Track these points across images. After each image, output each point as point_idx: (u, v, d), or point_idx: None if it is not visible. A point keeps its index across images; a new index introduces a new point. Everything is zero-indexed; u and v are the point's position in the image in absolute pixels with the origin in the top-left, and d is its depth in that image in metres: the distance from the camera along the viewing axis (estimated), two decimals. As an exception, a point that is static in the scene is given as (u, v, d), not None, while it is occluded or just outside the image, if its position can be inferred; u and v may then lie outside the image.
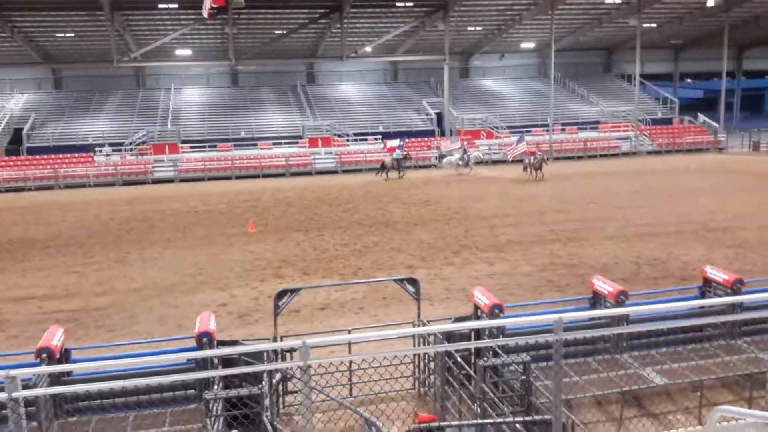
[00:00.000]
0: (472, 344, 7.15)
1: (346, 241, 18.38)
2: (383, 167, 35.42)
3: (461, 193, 27.74)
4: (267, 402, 6.12)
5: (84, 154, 39.91)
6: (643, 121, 46.99)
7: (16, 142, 41.71)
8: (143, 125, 43.24)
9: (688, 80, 63.04)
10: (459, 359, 6.91)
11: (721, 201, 23.02)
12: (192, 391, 6.92)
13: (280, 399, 7.76)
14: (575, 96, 51.51)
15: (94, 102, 46.62)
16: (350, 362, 7.64)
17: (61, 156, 39.50)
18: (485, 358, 6.50)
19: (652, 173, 33.14)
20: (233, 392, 5.97)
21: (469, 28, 46.97)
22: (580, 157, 42.84)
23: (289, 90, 49.82)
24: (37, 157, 39.58)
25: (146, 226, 22.30)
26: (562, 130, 45.18)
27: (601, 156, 43.14)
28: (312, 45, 47.25)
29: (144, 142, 41.37)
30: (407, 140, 39.53)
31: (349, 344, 7.63)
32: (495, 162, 40.83)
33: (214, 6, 31.64)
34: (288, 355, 7.52)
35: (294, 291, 7.83)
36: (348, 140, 43.29)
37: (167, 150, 40.69)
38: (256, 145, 42.26)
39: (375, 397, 7.65)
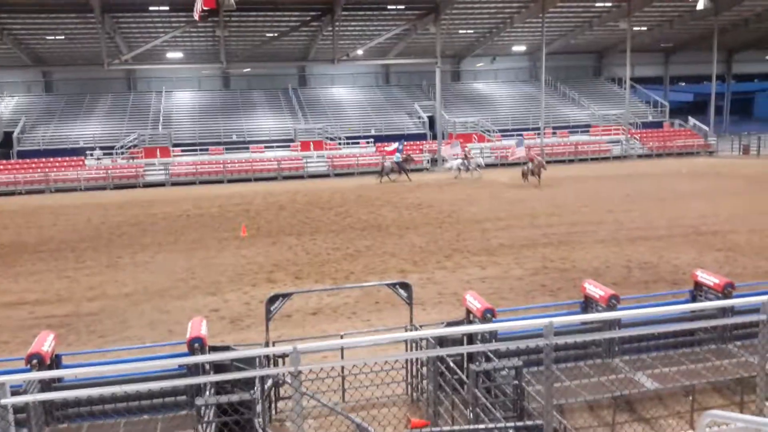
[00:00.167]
0: (464, 349, 7.16)
1: (338, 245, 18.36)
2: (383, 171, 35.42)
3: (453, 197, 27.78)
4: (259, 408, 6.09)
5: (75, 158, 39.76)
6: (633, 124, 47.22)
7: (6, 146, 41.49)
8: (134, 128, 43.11)
9: (682, 84, 63.40)
10: (451, 364, 6.91)
11: (712, 204, 23.14)
12: (183, 397, 6.89)
13: (273, 405, 7.74)
14: (566, 99, 51.71)
15: (85, 105, 46.45)
16: (342, 368, 7.62)
17: (51, 160, 39.33)
18: (477, 363, 6.50)
19: (643, 177, 33.28)
20: (225, 398, 5.95)
21: (461, 32, 47.09)
22: (571, 161, 42.99)
23: (281, 93, 49.80)
24: (28, 160, 39.40)
25: (138, 230, 22.22)
26: (554, 133, 45.35)
27: (592, 159, 43.32)
28: (304, 48, 47.25)
29: (135, 146, 41.25)
30: (405, 143, 39.55)
31: (342, 349, 7.61)
32: (487, 165, 40.84)
33: (205, 8, 31.59)
34: (280, 360, 7.50)
35: (286, 296, 7.81)
36: (340, 143, 43.28)
37: (158, 153, 40.57)
38: (247, 148, 42.22)
39: (367, 402, 7.64)
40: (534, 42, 48.14)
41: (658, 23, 48.05)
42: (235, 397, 5.91)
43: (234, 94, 49.83)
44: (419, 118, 47.22)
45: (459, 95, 51.40)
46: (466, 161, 36.18)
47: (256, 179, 38.66)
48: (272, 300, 7.69)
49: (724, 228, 18.83)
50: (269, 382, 7.05)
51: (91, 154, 40.12)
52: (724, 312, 7.91)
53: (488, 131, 45.21)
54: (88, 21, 37.51)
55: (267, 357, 7.30)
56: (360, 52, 44.44)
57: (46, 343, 6.66)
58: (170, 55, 44.49)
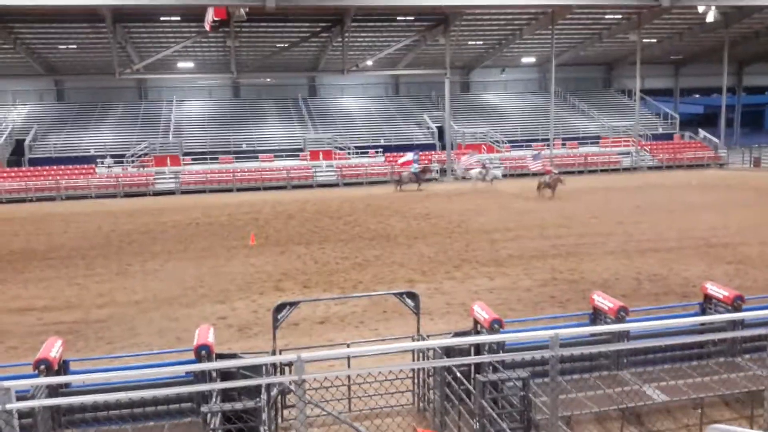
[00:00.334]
0: (471, 359, 7.13)
1: (346, 254, 18.36)
2: (401, 181, 35.46)
3: (462, 207, 27.74)
4: (264, 416, 6.08)
5: (86, 166, 40.02)
6: (643, 136, 47.09)
7: (18, 154, 41.84)
8: (145, 137, 43.37)
9: (697, 95, 63.18)
10: (458, 374, 6.88)
11: (723, 217, 23.01)
12: (190, 404, 6.90)
13: (279, 413, 7.72)
14: (576, 111, 51.66)
15: (96, 114, 46.80)
16: (348, 377, 7.60)
17: (62, 167, 39.59)
18: (484, 374, 6.47)
19: (653, 188, 33.16)
20: (230, 406, 5.95)
21: (470, 43, 47.19)
22: (580, 172, 42.88)
23: (291, 103, 50.01)
24: (39, 168, 39.68)
25: (148, 238, 22.30)
26: (563, 144, 45.28)
27: (601, 171, 43.21)
28: (313, 58, 47.46)
29: (146, 154, 41.48)
30: (420, 153, 39.56)
31: (348, 358, 7.59)
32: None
33: (216, 19, 31.89)
34: (287, 368, 7.49)
35: (293, 304, 7.81)
36: (349, 153, 43.37)
37: (169, 162, 40.78)
38: (257, 157, 42.38)
39: (374, 412, 7.62)
40: (543, 53, 48.17)
41: (668, 35, 47.98)
42: (240, 405, 5.92)
43: (244, 103, 50.08)
44: (428, 128, 47.29)
45: (468, 106, 51.44)
46: (484, 171, 35.99)
47: (266, 188, 38.77)
48: (279, 308, 7.70)
49: (734, 240, 18.71)
50: (275, 390, 7.04)
51: (102, 162, 40.38)
52: (734, 325, 7.86)
53: (497, 142, 45.19)
54: (100, 31, 37.83)
55: (274, 365, 7.30)
56: (369, 62, 44.60)
57: (53, 349, 6.68)
58: (181, 64, 44.79)
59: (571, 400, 7.13)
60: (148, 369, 6.92)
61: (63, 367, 6.92)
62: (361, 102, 51.33)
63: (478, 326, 7.80)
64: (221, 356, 7.27)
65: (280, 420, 7.71)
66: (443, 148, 43.98)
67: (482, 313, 7.62)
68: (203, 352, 6.82)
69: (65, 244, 21.75)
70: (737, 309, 7.93)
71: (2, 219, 29.19)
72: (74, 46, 42.09)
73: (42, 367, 6.42)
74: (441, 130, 45.69)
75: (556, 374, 4.52)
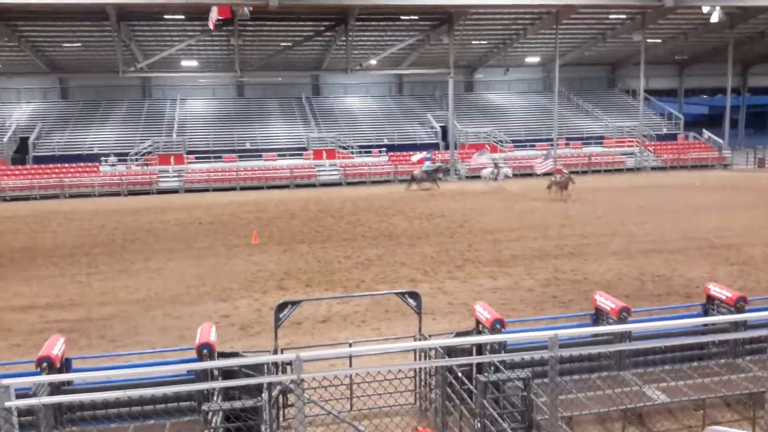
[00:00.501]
0: (472, 359, 7.13)
1: (349, 253, 18.38)
2: (413, 179, 35.41)
3: (465, 207, 27.72)
4: (266, 415, 6.09)
5: (89, 164, 40.03)
6: (647, 136, 46.94)
7: (22, 151, 41.88)
8: (149, 135, 43.40)
9: (704, 96, 62.99)
10: (460, 374, 6.88)
11: (726, 218, 22.96)
12: (191, 402, 6.91)
13: (280, 412, 7.73)
14: (580, 111, 51.56)
15: (100, 112, 46.84)
16: (350, 376, 7.60)
17: (66, 165, 39.62)
18: (486, 374, 6.47)
19: (656, 189, 33.09)
20: (232, 404, 5.96)
21: (474, 42, 47.10)
22: (584, 172, 42.76)
23: (294, 102, 49.99)
24: (43, 166, 39.70)
25: (151, 237, 22.34)
26: (567, 144, 45.19)
27: (605, 171, 43.11)
28: (317, 57, 47.43)
29: (149, 153, 41.50)
30: (434, 152, 39.37)
31: (350, 358, 7.60)
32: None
33: (220, 18, 31.91)
34: (288, 367, 7.50)
35: (295, 303, 7.82)
36: (352, 153, 43.36)
37: (172, 160, 40.79)
38: (260, 156, 42.35)
39: (375, 411, 7.62)
40: (547, 53, 48.06)
41: (672, 36, 47.82)
42: (242, 404, 5.93)
43: (248, 102, 50.07)
44: (432, 128, 47.23)
45: (472, 105, 51.37)
46: (495, 171, 35.65)
47: (269, 187, 38.76)
48: (281, 307, 7.71)
49: (738, 241, 18.68)
50: (276, 389, 7.05)
51: (106, 161, 40.39)
52: (737, 326, 7.84)
53: (501, 142, 45.13)
54: (104, 29, 37.84)
55: (275, 364, 7.31)
56: (373, 61, 44.55)
57: (56, 347, 6.70)
58: (185, 63, 44.77)
59: (573, 400, 7.12)
60: (149, 367, 6.94)
61: (65, 365, 6.94)
62: (364, 101, 51.29)
63: (480, 326, 7.80)
64: (223, 355, 7.29)
65: (281, 419, 7.72)
66: (447, 147, 43.93)
67: (484, 313, 7.62)
68: (205, 351, 6.84)
69: (68, 242, 21.79)
70: (740, 310, 7.92)
71: (6, 217, 29.25)
72: (79, 45, 42.12)
73: (44, 364, 6.44)
74: (444, 130, 45.63)
75: (556, 375, 4.51)
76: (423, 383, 8.06)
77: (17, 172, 39.24)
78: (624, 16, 43.09)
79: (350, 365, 7.89)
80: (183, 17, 38.10)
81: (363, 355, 7.60)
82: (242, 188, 38.44)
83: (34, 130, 42.90)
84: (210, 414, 6.05)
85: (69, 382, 6.80)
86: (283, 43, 42.71)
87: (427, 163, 36.25)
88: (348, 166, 41.34)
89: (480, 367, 7.20)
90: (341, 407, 7.79)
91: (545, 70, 53.41)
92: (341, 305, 13.00)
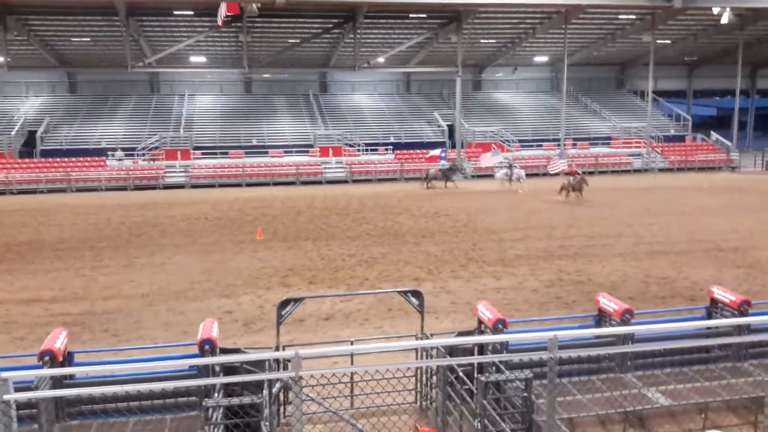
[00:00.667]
0: (474, 359, 7.11)
1: (353, 251, 18.37)
2: (428, 177, 35.31)
3: (470, 206, 27.68)
4: (267, 411, 6.10)
5: (97, 158, 40.20)
6: (655, 137, 46.80)
7: (29, 145, 42.10)
8: (156, 131, 43.52)
9: (713, 98, 62.63)
10: (461, 374, 6.87)
11: (733, 220, 22.86)
12: (193, 398, 6.92)
13: (281, 408, 7.73)
14: (588, 111, 51.42)
15: (108, 106, 47.00)
16: (352, 374, 7.60)
17: (73, 159, 39.79)
18: (486, 374, 6.46)
19: (663, 190, 32.98)
20: (233, 400, 5.96)
21: (482, 41, 47.03)
22: (591, 173, 42.61)
23: (302, 99, 50.03)
24: (50, 159, 39.89)
25: (156, 232, 22.39)
26: (574, 145, 45.09)
27: (612, 172, 42.98)
28: (325, 55, 47.46)
29: (156, 148, 41.64)
30: (448, 150, 39.19)
31: (352, 356, 7.60)
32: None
33: (229, 14, 31.98)
34: (289, 364, 7.50)
35: (297, 300, 7.83)
36: (359, 150, 43.36)
37: (179, 156, 40.91)
38: (267, 153, 42.43)
39: (376, 409, 7.61)
40: (556, 53, 47.96)
41: (682, 37, 47.64)
42: (243, 400, 5.93)
43: (255, 98, 50.16)
44: (439, 126, 47.21)
45: (479, 104, 51.30)
46: (509, 172, 34.70)
47: (275, 184, 38.81)
48: (284, 304, 7.71)
49: (744, 244, 18.59)
50: (277, 385, 7.06)
51: (113, 155, 40.55)
52: (740, 330, 7.80)
53: (508, 141, 45.04)
54: (113, 24, 37.97)
55: (276, 361, 7.31)
56: (381, 59, 44.55)
57: (58, 341, 6.72)
58: (193, 59, 44.88)
59: (574, 402, 7.10)
60: (151, 362, 6.96)
61: (67, 359, 6.96)
62: (371, 99, 51.29)
63: (482, 326, 7.78)
64: (225, 351, 7.29)
65: (282, 415, 7.73)
66: (453, 146, 43.89)
67: (486, 312, 7.60)
68: (207, 347, 6.84)
69: (74, 235, 21.87)
70: (744, 314, 7.88)
71: (13, 210, 29.39)
72: (87, 39, 42.26)
73: (46, 358, 6.46)
74: (451, 129, 45.59)
75: (554, 376, 4.50)
76: (424, 382, 8.05)
77: (25, 165, 39.43)
78: (633, 17, 42.95)
79: (352, 363, 7.90)
80: (192, 13, 38.21)
81: (365, 353, 7.59)
82: (248, 184, 38.50)
83: (42, 124, 43.11)
84: (211, 410, 6.05)
85: (71, 376, 6.81)
86: (291, 40, 42.75)
87: (443, 161, 36.04)
88: (354, 164, 41.36)
89: (482, 367, 7.18)
90: (344, 405, 7.79)
91: (553, 69, 53.29)
92: (344, 303, 13.00)
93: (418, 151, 43.10)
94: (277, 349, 7.68)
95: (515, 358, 6.34)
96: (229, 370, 7.02)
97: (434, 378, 7.76)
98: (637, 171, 43.64)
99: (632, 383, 7.52)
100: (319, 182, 39.66)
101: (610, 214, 24.69)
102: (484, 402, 6.13)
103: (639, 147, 45.55)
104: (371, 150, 43.45)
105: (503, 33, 45.76)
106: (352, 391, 7.88)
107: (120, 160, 40.28)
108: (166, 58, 40.63)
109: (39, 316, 12.68)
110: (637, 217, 23.77)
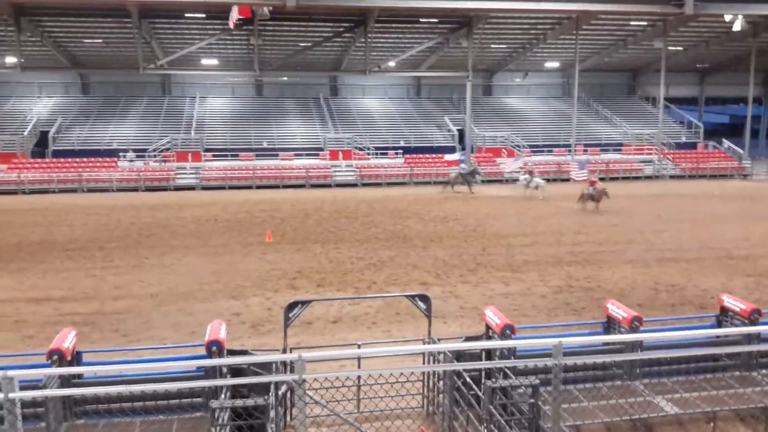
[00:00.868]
0: (481, 364, 7.08)
1: (362, 254, 18.38)
2: (448, 182, 35.21)
3: (480, 211, 27.64)
4: (273, 414, 6.10)
5: (108, 159, 40.43)
6: (666, 144, 46.59)
7: (42, 145, 42.38)
8: (167, 132, 43.73)
9: (725, 105, 62.18)
10: (468, 379, 6.85)
11: (744, 228, 22.70)
12: (199, 399, 6.94)
13: (288, 411, 7.74)
14: (599, 117, 51.27)
15: (120, 108, 47.27)
16: (359, 377, 7.60)
17: (85, 160, 40.03)
18: (494, 380, 6.44)
19: (674, 198, 32.81)
20: (239, 402, 5.97)
21: (493, 46, 47.00)
22: (602, 179, 42.38)
23: (312, 102, 50.14)
24: (62, 160, 40.15)
25: (166, 233, 22.48)
26: (585, 150, 44.95)
27: (623, 178, 42.80)
28: (336, 58, 47.56)
29: (168, 149, 41.83)
30: (466, 153, 39.03)
31: (358, 359, 7.59)
32: (515, 180, 40.57)
33: (241, 17, 32.09)
34: (294, 367, 7.50)
35: (305, 303, 7.83)
36: (369, 154, 43.41)
37: (190, 158, 41.08)
38: (277, 155, 42.54)
39: (382, 413, 7.61)
40: (567, 59, 47.86)
41: (694, 43, 47.44)
42: (249, 402, 5.93)
43: (266, 101, 50.32)
44: (449, 131, 47.18)
45: (490, 109, 51.25)
46: (529, 177, 33.89)
47: (285, 186, 38.90)
48: (291, 307, 7.72)
49: (755, 253, 18.46)
50: (283, 387, 7.06)
51: (124, 156, 40.76)
52: (750, 339, 7.74)
53: (518, 147, 44.96)
54: (125, 26, 38.20)
55: (284, 363, 7.32)
56: (392, 63, 44.59)
57: (67, 340, 6.75)
58: (205, 61, 45.09)
59: (582, 409, 7.07)
60: (159, 363, 6.98)
61: (76, 358, 6.99)
62: (382, 103, 51.34)
63: (490, 331, 7.76)
64: (232, 352, 7.30)
65: (288, 418, 7.73)
66: (463, 150, 43.82)
67: (494, 318, 7.58)
68: (214, 348, 6.86)
69: (85, 235, 21.99)
70: (754, 322, 7.82)
71: (25, 209, 29.60)
72: (100, 41, 42.54)
73: (55, 357, 6.49)
74: (462, 133, 45.54)
75: (559, 383, 4.48)
76: (431, 387, 8.03)
77: (37, 165, 39.70)
78: (645, 23, 42.81)
79: (359, 366, 7.90)
80: (204, 16, 38.39)
81: (372, 357, 7.58)
82: (258, 187, 38.60)
83: (55, 125, 43.40)
84: (217, 411, 6.06)
85: (79, 375, 6.84)
86: (302, 44, 42.88)
87: (462, 165, 35.86)
88: (364, 168, 41.39)
89: (489, 373, 7.16)
90: (349, 408, 7.78)
91: (564, 75, 53.20)
92: (352, 306, 13.00)
93: (428, 155, 43.11)
94: (284, 351, 7.69)
95: (521, 364, 6.30)
96: (236, 371, 7.03)
97: (441, 383, 7.73)
98: (648, 178, 43.45)
99: (640, 391, 7.48)
100: (329, 185, 39.72)
101: (621, 221, 24.59)
102: (491, 408, 6.11)
103: (650, 154, 45.35)
104: (381, 154, 43.49)
105: (514, 38, 45.72)
106: (358, 395, 7.87)
107: (131, 161, 40.49)
108: (177, 61, 40.82)
109: (49, 315, 12.76)
110: (648, 224, 23.66)
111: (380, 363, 8.05)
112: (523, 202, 31.07)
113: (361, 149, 43.61)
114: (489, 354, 7.48)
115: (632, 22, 42.89)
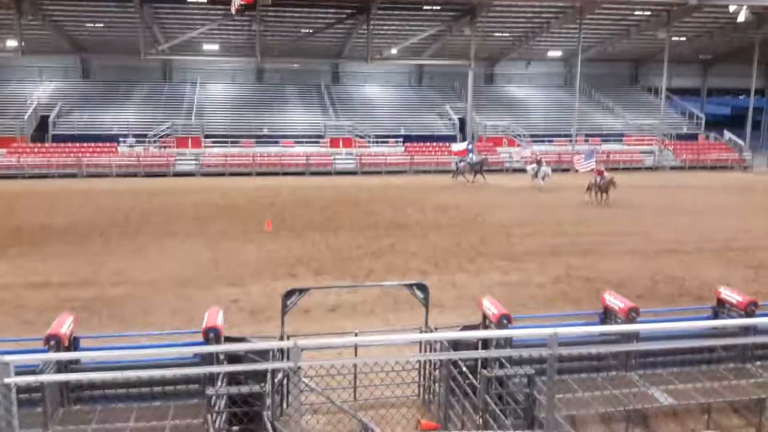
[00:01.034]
0: (476, 354, 7.10)
1: (361, 242, 18.39)
2: (459, 171, 35.10)
3: (481, 200, 27.62)
4: (269, 400, 6.12)
5: (108, 144, 40.31)
6: (668, 135, 46.48)
7: (42, 129, 42.24)
8: (168, 118, 43.59)
9: (727, 96, 61.89)
10: (464, 368, 6.87)
11: (744, 220, 22.70)
12: (196, 386, 6.96)
13: (285, 398, 7.76)
14: (600, 107, 51.11)
15: (121, 92, 47.10)
16: (355, 366, 7.62)
17: (85, 145, 39.93)
18: (489, 369, 6.45)
19: (675, 189, 32.77)
20: (235, 389, 5.99)
21: (496, 34, 46.78)
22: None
23: (313, 89, 49.97)
24: (62, 145, 40.02)
25: (166, 219, 22.48)
26: (586, 140, 44.81)
27: (623, 169, 42.67)
28: (338, 45, 47.35)
29: (168, 135, 41.72)
30: (474, 143, 38.88)
31: (355, 347, 7.61)
32: (515, 170, 40.55)
33: (242, 3, 31.94)
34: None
35: (303, 291, 7.85)
36: (369, 142, 43.31)
37: (190, 143, 40.98)
38: (277, 142, 42.43)
39: (378, 401, 7.64)
40: (570, 48, 47.63)
41: (697, 34, 47.21)
42: (245, 389, 5.96)
43: (267, 88, 50.14)
44: (450, 119, 47.03)
45: (491, 98, 51.06)
46: (536, 167, 33.14)
47: (285, 173, 38.82)
48: (289, 294, 7.74)
49: (755, 245, 18.47)
50: (280, 375, 7.09)
51: (124, 141, 40.66)
52: (746, 331, 7.76)
53: (519, 136, 44.86)
54: (127, 10, 38.01)
55: (281, 350, 7.33)
56: (394, 51, 44.41)
57: (64, 325, 6.77)
58: (206, 47, 44.90)
59: (577, 399, 7.10)
60: (155, 349, 6.99)
61: (73, 344, 7.01)
62: (383, 91, 51.16)
63: (487, 321, 7.77)
64: (230, 339, 7.32)
65: (285, 405, 7.76)
66: (464, 139, 43.73)
67: (491, 307, 7.59)
68: (211, 335, 6.88)
69: (84, 221, 22.00)
70: (750, 315, 7.83)
71: (25, 194, 29.59)
72: (101, 25, 42.33)
73: (52, 342, 6.51)
74: (463, 122, 45.43)
75: (554, 373, 4.48)
76: (427, 376, 8.06)
77: (37, 150, 39.61)
78: (648, 13, 42.60)
79: (356, 355, 7.92)
80: (206, 1, 38.22)
81: (369, 345, 7.60)
82: (258, 174, 38.54)
83: (55, 109, 43.24)
84: (213, 398, 6.09)
85: (76, 361, 6.86)
86: (304, 30, 42.68)
87: (471, 155, 35.72)
88: (364, 155, 41.32)
89: (485, 362, 7.18)
90: (345, 396, 7.81)
91: (567, 64, 52.99)
92: (350, 294, 13.02)
93: (428, 143, 43.02)
94: (281, 339, 7.71)
95: (515, 354, 6.31)
96: (233, 358, 7.05)
97: (437, 372, 7.76)
98: (649, 169, 43.38)
99: (635, 382, 7.51)
100: (329, 173, 39.66)
101: (621, 212, 24.58)
102: (487, 397, 6.13)
103: (651, 144, 45.26)
104: (381, 142, 43.39)
105: (517, 27, 45.51)
106: (355, 383, 7.90)
107: (131, 146, 40.40)
108: (179, 46, 40.67)
109: (48, 300, 12.78)
110: (648, 215, 23.65)
111: (377, 351, 8.07)
112: (525, 192, 31.01)
113: (361, 137, 43.51)
114: (485, 343, 7.49)
115: (636, 12, 42.68)
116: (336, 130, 43.90)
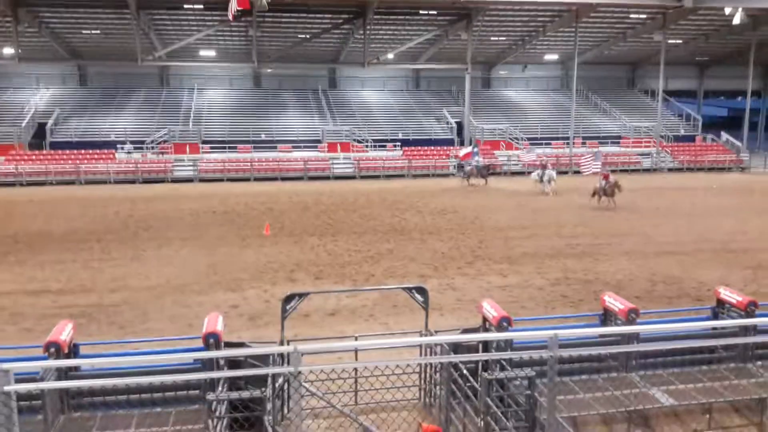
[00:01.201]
0: (477, 356, 7.10)
1: (359, 247, 18.38)
2: (465, 174, 35.08)
3: (478, 204, 27.64)
4: (269, 405, 6.11)
5: (106, 151, 40.31)
6: (665, 137, 46.57)
7: (39, 137, 42.24)
8: (165, 124, 43.61)
9: (721, 98, 61.99)
10: (465, 371, 6.86)
11: (742, 221, 22.74)
12: (196, 391, 6.95)
13: (285, 403, 7.75)
14: (597, 110, 51.22)
15: (118, 99, 47.12)
16: (356, 369, 7.60)
17: (83, 152, 39.91)
18: (490, 372, 6.45)
19: (672, 190, 32.82)
20: (235, 394, 5.98)
21: (493, 38, 46.89)
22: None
23: (311, 94, 50.04)
24: (60, 152, 40.03)
25: (164, 225, 22.47)
26: (583, 143, 44.88)
27: (621, 171, 42.66)
28: (335, 50, 47.43)
29: (165, 141, 41.73)
30: (480, 145, 38.95)
31: (356, 351, 7.60)
32: (513, 173, 40.60)
33: (239, 8, 31.91)
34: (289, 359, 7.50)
35: (302, 295, 7.84)
36: (367, 146, 43.35)
37: (188, 150, 40.98)
38: (275, 147, 42.47)
39: (379, 405, 7.62)
40: (566, 51, 47.76)
41: (693, 37, 47.36)
42: (245, 394, 5.94)
43: (264, 93, 50.19)
44: (447, 123, 47.11)
45: (489, 102, 51.17)
46: (541, 171, 32.72)
47: (283, 179, 38.85)
48: (288, 299, 7.72)
49: (753, 246, 18.49)
50: (280, 380, 7.07)
51: (122, 148, 40.66)
52: (746, 330, 7.76)
53: (516, 139, 44.92)
54: (124, 17, 38.04)
55: (281, 355, 7.33)
56: (391, 55, 44.49)
57: (64, 332, 6.75)
58: (203, 52, 44.94)
59: (578, 400, 7.09)
60: (155, 355, 6.98)
61: (73, 351, 6.99)
62: (380, 95, 51.25)
63: (487, 323, 7.77)
64: (230, 345, 7.31)
65: (286, 410, 7.74)
66: (462, 143, 43.80)
67: (491, 310, 7.58)
68: (211, 340, 6.86)
69: (82, 227, 21.97)
70: (750, 315, 7.84)
71: (22, 201, 29.55)
72: (98, 32, 42.34)
73: (52, 349, 6.49)
74: (460, 126, 45.50)
75: (554, 374, 4.48)
76: (428, 379, 8.04)
77: (34, 157, 39.58)
78: (644, 16, 42.71)
79: (356, 359, 7.90)
80: (202, 7, 38.23)
81: (369, 349, 7.59)
82: (256, 179, 38.54)
83: (52, 116, 43.26)
84: (214, 403, 6.07)
85: (76, 368, 6.85)
86: (301, 35, 42.74)
87: (476, 158, 35.72)
88: (362, 160, 41.34)
89: (486, 365, 7.17)
90: (346, 400, 7.79)
91: (564, 68, 53.11)
92: (350, 298, 13.01)
93: (426, 147, 43.06)
94: (281, 343, 7.70)
95: (516, 356, 6.31)
96: (233, 363, 7.03)
97: (438, 375, 7.75)
98: (647, 171, 43.43)
99: (636, 382, 7.50)
100: (327, 177, 39.67)
101: (619, 214, 24.60)
102: (488, 399, 6.13)
103: (648, 146, 45.33)
104: (379, 146, 43.43)
105: (513, 31, 45.61)
106: (356, 387, 7.89)
107: (129, 153, 40.39)
108: (176, 52, 40.70)
109: (46, 307, 12.76)
110: (646, 217, 23.67)
111: (377, 355, 8.06)
112: (524, 194, 31.02)
113: (359, 141, 43.56)
114: (486, 346, 7.49)
115: (632, 15, 42.78)
116: (334, 134, 43.96)
